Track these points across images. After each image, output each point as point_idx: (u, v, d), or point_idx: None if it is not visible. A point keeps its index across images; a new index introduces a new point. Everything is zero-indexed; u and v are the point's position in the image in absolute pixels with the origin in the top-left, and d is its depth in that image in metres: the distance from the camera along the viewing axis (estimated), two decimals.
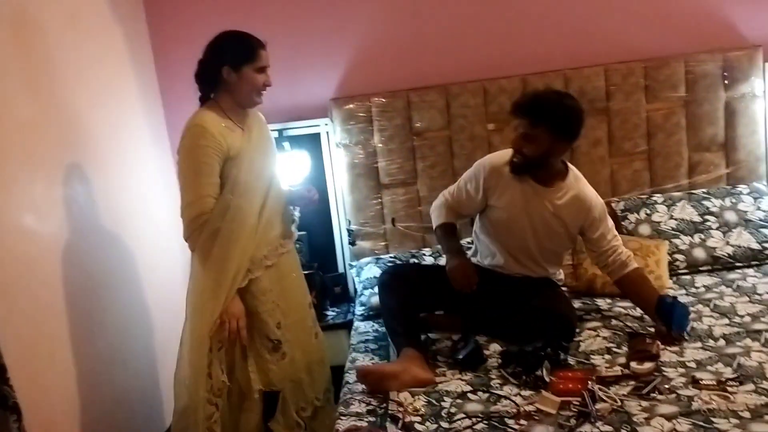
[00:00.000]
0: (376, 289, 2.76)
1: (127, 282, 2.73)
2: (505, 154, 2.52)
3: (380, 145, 3.20)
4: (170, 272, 3.16)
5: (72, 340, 2.28)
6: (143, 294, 2.84)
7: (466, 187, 2.60)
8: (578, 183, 2.51)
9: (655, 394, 1.94)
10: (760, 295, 2.62)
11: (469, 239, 2.88)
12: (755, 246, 2.93)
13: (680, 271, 2.94)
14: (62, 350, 2.22)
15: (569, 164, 2.55)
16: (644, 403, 1.90)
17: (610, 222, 2.54)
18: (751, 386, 1.92)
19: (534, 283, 2.58)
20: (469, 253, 2.76)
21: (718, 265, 2.94)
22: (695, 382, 1.97)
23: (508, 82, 3.15)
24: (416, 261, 3.08)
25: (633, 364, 2.10)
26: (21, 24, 2.20)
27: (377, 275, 2.87)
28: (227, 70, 2.24)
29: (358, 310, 3.00)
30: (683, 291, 2.77)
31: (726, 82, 3.13)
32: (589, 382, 1.97)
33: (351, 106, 3.17)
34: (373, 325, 2.81)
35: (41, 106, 2.26)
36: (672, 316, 2.32)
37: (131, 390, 2.65)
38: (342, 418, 2.03)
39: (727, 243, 2.96)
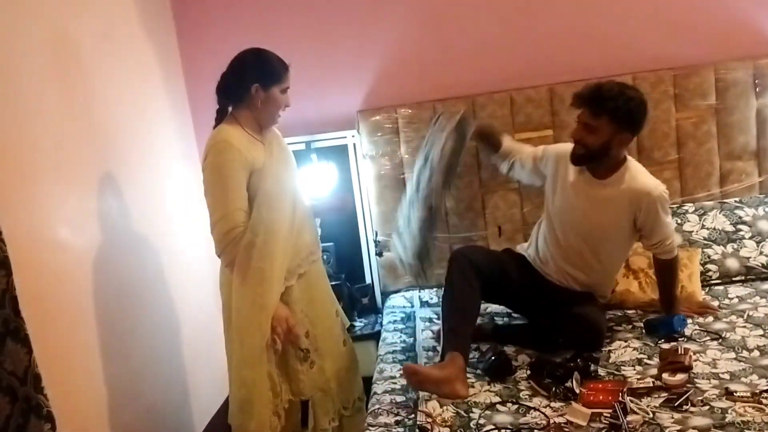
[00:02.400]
0: (398, 325, 2.84)
1: (158, 294, 2.76)
2: (568, 145, 2.55)
3: (407, 156, 3.21)
4: (201, 284, 3.20)
5: (104, 351, 2.31)
6: (174, 306, 2.88)
7: (529, 149, 2.78)
8: (636, 176, 2.47)
9: (687, 406, 1.91)
10: None
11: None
12: None
13: (713, 282, 2.89)
14: (95, 361, 2.26)
15: (629, 157, 2.53)
16: (677, 416, 1.87)
17: (666, 217, 2.48)
18: None
19: (573, 295, 2.57)
20: (524, 245, 2.83)
21: (751, 275, 2.89)
22: (729, 394, 1.94)
23: (536, 92, 3.14)
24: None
25: (665, 376, 2.07)
26: (60, 44, 2.26)
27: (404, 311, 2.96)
28: (257, 87, 2.26)
29: (386, 320, 3.00)
30: (716, 302, 2.72)
31: (757, 89, 3.08)
32: (621, 394, 1.95)
33: (378, 117, 3.18)
34: (401, 336, 2.81)
35: (76, 123, 2.31)
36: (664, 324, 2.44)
37: (162, 401, 2.68)
38: (370, 428, 2.03)
39: (761, 253, 2.90)
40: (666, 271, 2.56)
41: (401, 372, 2.34)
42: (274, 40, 3.19)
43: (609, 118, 2.36)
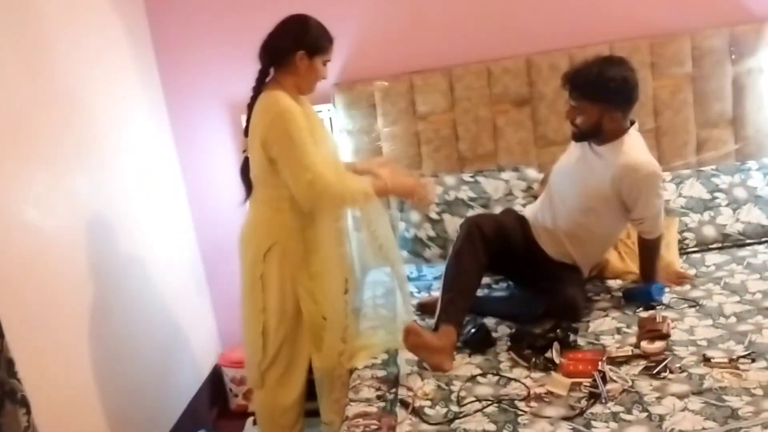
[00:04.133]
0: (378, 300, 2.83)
1: (134, 274, 2.72)
2: None
3: (384, 129, 3.18)
4: (177, 263, 3.16)
5: (78, 333, 2.27)
6: (151, 286, 2.84)
7: None
8: (631, 151, 2.43)
9: (666, 374, 1.93)
10: None
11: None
12: (765, 222, 2.90)
13: (690, 250, 2.91)
14: (69, 343, 2.22)
15: (632, 130, 2.50)
16: (655, 383, 1.89)
17: (653, 197, 2.45)
18: (763, 363, 1.91)
19: (560, 266, 2.57)
20: (530, 207, 2.81)
21: (728, 242, 2.91)
22: (706, 361, 1.96)
23: (513, 63, 3.11)
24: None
25: (643, 344, 2.08)
26: (21, 17, 2.17)
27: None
28: (302, 55, 2.26)
29: (366, 295, 2.98)
30: (693, 270, 2.74)
31: (733, 57, 3.08)
32: (600, 363, 1.96)
33: (354, 91, 3.14)
34: (381, 311, 2.79)
35: (41, 99, 2.24)
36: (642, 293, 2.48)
37: (140, 382, 2.65)
38: (352, 404, 2.03)
39: (737, 220, 2.92)
40: (646, 248, 2.57)
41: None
42: (246, 12, 3.16)
43: (589, 100, 2.39)
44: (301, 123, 2.22)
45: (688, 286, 2.57)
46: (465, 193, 3.05)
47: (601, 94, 2.38)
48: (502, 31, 3.16)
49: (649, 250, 2.56)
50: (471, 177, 3.11)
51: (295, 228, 2.35)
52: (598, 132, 2.45)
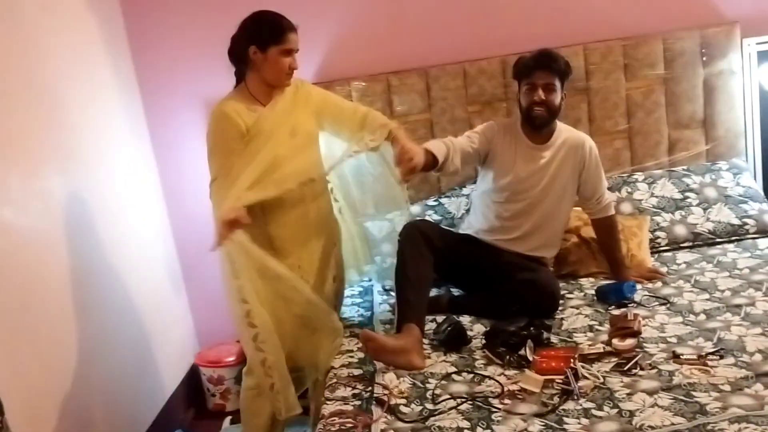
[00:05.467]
0: (355, 299, 2.85)
1: (109, 273, 2.70)
2: (511, 120, 2.76)
3: None
4: (154, 262, 3.15)
5: (53, 333, 2.26)
6: (127, 285, 2.82)
7: (469, 134, 2.71)
8: (569, 132, 2.70)
9: (636, 370, 1.95)
10: (740, 270, 2.64)
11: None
12: (735, 221, 2.96)
13: (661, 248, 2.96)
14: (44, 344, 2.20)
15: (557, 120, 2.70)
16: (626, 379, 1.92)
17: (602, 169, 2.71)
18: (731, 360, 1.95)
19: (527, 259, 2.63)
20: (463, 226, 2.86)
21: (698, 241, 2.96)
22: (676, 357, 1.99)
23: (488, 64, 3.14)
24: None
25: (615, 341, 2.12)
26: None
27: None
28: (254, 49, 2.29)
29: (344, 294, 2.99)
30: (665, 268, 2.79)
31: (704, 59, 3.14)
32: (572, 361, 1.99)
33: (331, 90, 3.14)
34: (358, 310, 2.80)
35: (16, 98, 2.22)
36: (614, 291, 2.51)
37: (116, 382, 2.63)
38: (328, 402, 2.04)
39: (708, 219, 2.98)
40: (607, 231, 2.70)
41: (359, 345, 2.35)
42: (222, 11, 3.14)
43: (558, 76, 2.56)
44: (227, 131, 2.29)
45: (659, 284, 2.62)
46: (430, 218, 3.08)
47: (568, 74, 2.60)
48: (479, 33, 3.20)
49: (610, 231, 2.70)
50: (435, 201, 3.15)
51: (256, 226, 2.33)
52: (557, 115, 2.62)
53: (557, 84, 2.55)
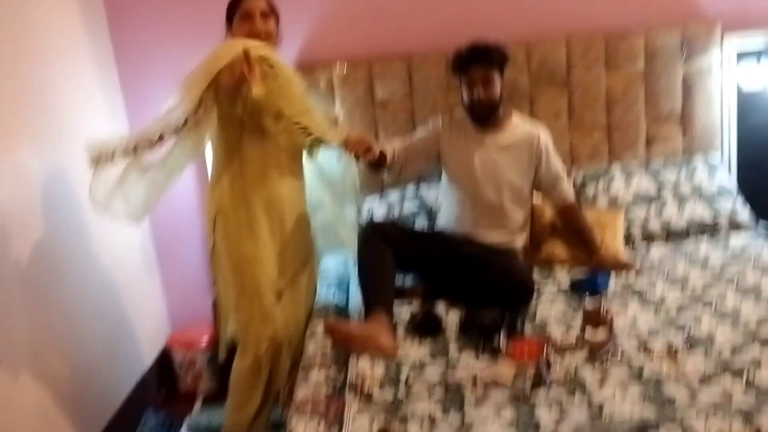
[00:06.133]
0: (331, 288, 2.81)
1: (81, 252, 2.67)
2: (458, 115, 2.79)
3: (342, 115, 3.17)
4: (127, 244, 3.11)
5: (23, 311, 2.23)
6: (99, 264, 2.79)
7: (417, 133, 2.83)
8: (524, 122, 2.77)
9: (607, 362, 1.98)
10: (712, 264, 2.68)
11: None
12: (708, 217, 3.00)
13: (636, 242, 2.99)
14: (13, 321, 2.17)
15: (513, 109, 2.81)
16: (597, 370, 1.93)
17: (558, 159, 2.77)
18: (700, 353, 1.97)
19: (497, 251, 2.64)
20: (438, 222, 2.89)
21: (672, 235, 3.00)
22: (647, 350, 2.02)
23: None
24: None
25: (587, 333, 2.13)
26: None
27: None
28: (227, 27, 2.35)
29: (321, 279, 2.98)
30: (639, 261, 2.81)
31: (684, 55, 3.16)
32: (545, 350, 2.01)
33: (312, 74, 3.12)
34: (335, 295, 2.79)
35: None
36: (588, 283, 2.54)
37: (86, 362, 2.61)
38: (300, 387, 2.03)
39: (682, 214, 3.02)
40: (573, 218, 2.75)
41: None
42: None
43: (497, 67, 2.59)
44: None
45: (633, 278, 2.64)
46: (408, 208, 3.08)
47: (505, 62, 2.62)
48: (461, 22, 3.18)
49: (577, 216, 2.75)
50: (413, 192, 3.14)
51: (236, 198, 2.34)
52: (500, 105, 2.65)
53: (495, 75, 2.58)
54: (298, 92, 2.37)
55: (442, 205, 2.87)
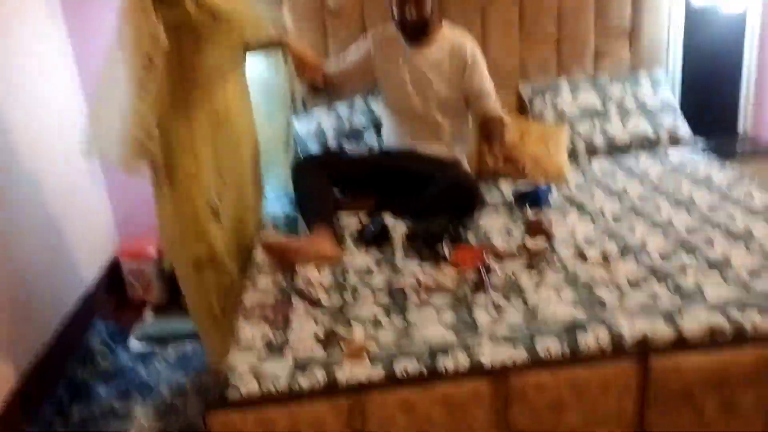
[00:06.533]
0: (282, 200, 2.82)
1: (21, 158, 2.60)
2: (388, 29, 2.72)
3: (291, 23, 3.10)
4: (71, 152, 3.03)
5: None
6: (40, 171, 2.72)
7: (350, 53, 2.82)
8: (453, 32, 2.73)
9: (544, 267, 2.06)
10: (650, 177, 2.78)
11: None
12: (650, 132, 3.08)
13: (579, 156, 3.06)
14: None
15: (444, 21, 2.74)
16: (534, 276, 2.02)
17: (487, 74, 2.71)
18: (631, 259, 2.07)
19: (442, 162, 2.67)
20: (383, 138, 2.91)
21: (615, 150, 3.08)
22: (582, 256, 2.11)
23: None
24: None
25: (527, 241, 2.22)
26: None
27: None
28: None
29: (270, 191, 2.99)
30: (581, 174, 2.90)
31: None
32: (485, 257, 2.08)
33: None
34: (284, 209, 2.80)
35: None
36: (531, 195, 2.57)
37: (31, 270, 2.59)
38: (250, 291, 2.07)
39: (625, 129, 3.09)
40: (488, 128, 2.62)
41: None
42: None
43: None
44: None
45: (574, 190, 2.72)
46: (359, 121, 3.06)
47: None
48: None
49: (496, 126, 2.61)
50: (362, 101, 3.10)
51: (178, 112, 2.27)
52: (431, 22, 2.63)
53: None
54: None
55: (383, 120, 2.89)
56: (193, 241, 2.35)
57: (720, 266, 1.97)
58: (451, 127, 2.74)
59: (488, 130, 2.62)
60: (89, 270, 3.11)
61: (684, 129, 3.12)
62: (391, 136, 2.83)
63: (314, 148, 3.03)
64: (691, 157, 2.97)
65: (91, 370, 2.70)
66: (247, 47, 2.48)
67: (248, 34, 2.40)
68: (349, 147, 3.01)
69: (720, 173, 2.76)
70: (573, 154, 3.04)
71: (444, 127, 2.73)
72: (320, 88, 2.76)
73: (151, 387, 2.60)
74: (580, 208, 2.54)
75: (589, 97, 3.14)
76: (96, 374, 2.68)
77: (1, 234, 2.40)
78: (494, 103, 2.69)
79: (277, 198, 2.85)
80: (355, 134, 3.05)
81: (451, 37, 2.70)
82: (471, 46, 2.69)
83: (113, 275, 3.27)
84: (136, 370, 2.70)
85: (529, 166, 2.66)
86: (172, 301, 3.07)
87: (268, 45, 2.59)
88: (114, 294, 3.27)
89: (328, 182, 2.55)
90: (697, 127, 3.18)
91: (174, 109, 2.26)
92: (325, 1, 3.09)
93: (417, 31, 2.62)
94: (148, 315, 3.14)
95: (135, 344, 2.90)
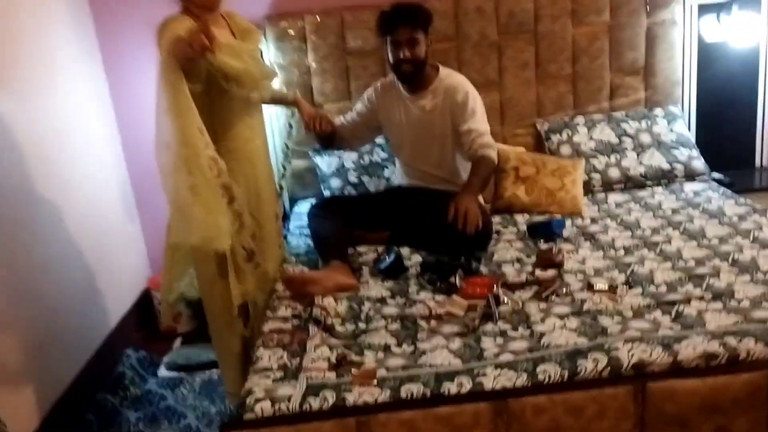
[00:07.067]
0: (304, 230, 2.92)
1: (60, 198, 2.75)
2: (389, 78, 2.87)
3: (314, 64, 3.25)
4: (107, 189, 3.21)
5: (4, 251, 2.32)
6: (78, 209, 2.88)
7: (356, 106, 2.95)
8: (450, 76, 2.79)
9: (553, 297, 2.12)
10: (663, 210, 2.83)
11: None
12: (665, 166, 3.14)
13: (595, 190, 3.13)
14: None
15: (441, 66, 2.82)
16: (542, 305, 2.08)
17: (478, 111, 2.72)
18: (638, 290, 2.12)
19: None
20: (393, 181, 3.07)
21: (630, 183, 3.14)
22: (590, 287, 2.16)
23: (440, 4, 3.19)
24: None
25: (537, 271, 2.28)
26: None
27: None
28: None
29: (293, 224, 3.11)
30: (596, 207, 2.96)
31: (648, 8, 3.25)
32: (495, 287, 2.15)
33: (284, 23, 3.19)
34: (306, 240, 2.92)
35: None
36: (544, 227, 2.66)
37: (66, 303, 2.72)
38: (269, 321, 2.17)
39: (641, 163, 3.15)
40: (475, 167, 2.62)
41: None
42: None
43: (422, 27, 2.65)
44: (175, 28, 2.14)
45: (588, 222, 2.79)
46: (378, 156, 3.21)
47: (429, 22, 2.67)
48: None
49: (481, 167, 2.61)
50: (382, 138, 3.19)
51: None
52: (425, 64, 2.70)
53: (420, 36, 2.64)
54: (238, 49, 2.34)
55: (396, 166, 3.00)
56: (234, 286, 2.38)
57: (724, 296, 2.01)
58: (458, 164, 2.81)
59: (471, 172, 2.64)
60: (122, 302, 3.24)
61: (699, 163, 3.17)
62: (400, 176, 2.95)
63: (336, 184, 3.17)
64: (707, 191, 3.01)
65: (121, 397, 2.81)
66: (261, 100, 2.57)
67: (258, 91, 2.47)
68: (369, 181, 3.15)
69: (733, 206, 2.80)
70: (589, 188, 3.11)
71: (449, 166, 2.80)
72: (329, 140, 2.87)
73: (177, 413, 2.70)
74: (593, 240, 2.60)
75: (605, 133, 3.22)
76: (126, 401, 2.79)
77: (38, 269, 2.54)
78: (479, 140, 2.65)
79: (299, 236, 2.97)
80: (376, 168, 3.18)
81: (447, 82, 2.75)
82: (463, 87, 2.73)
83: (144, 307, 3.41)
84: (163, 397, 2.81)
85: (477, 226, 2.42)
86: (200, 330, 3.18)
87: (279, 100, 2.77)
88: (145, 325, 3.40)
89: (343, 222, 2.66)
90: (714, 161, 3.23)
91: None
92: (346, 42, 3.24)
93: (412, 74, 2.69)
94: (177, 344, 3.26)
95: (164, 372, 3.02)
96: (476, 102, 2.73)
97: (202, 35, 1.95)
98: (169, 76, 2.02)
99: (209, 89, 2.25)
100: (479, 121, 2.70)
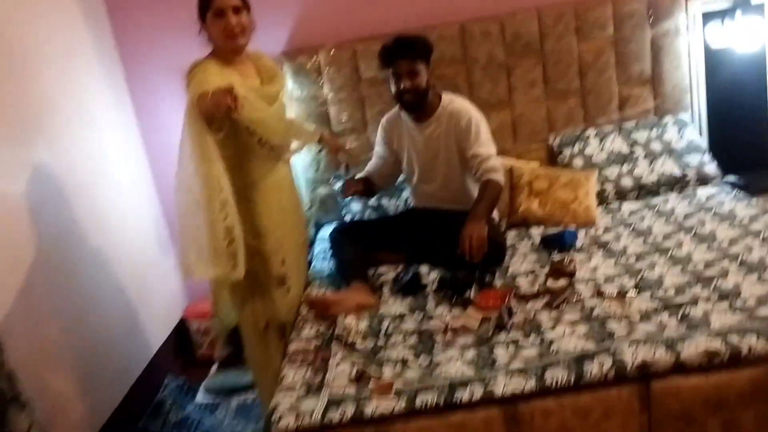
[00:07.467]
0: (328, 254, 3.00)
1: (97, 236, 2.92)
2: (393, 110, 2.98)
3: (330, 95, 3.40)
4: (141, 225, 3.38)
5: (45, 292, 2.48)
6: (114, 246, 3.05)
7: (375, 150, 3.09)
8: (452, 102, 2.85)
9: (564, 306, 2.20)
10: (676, 216, 2.89)
11: None
12: (677, 172, 3.19)
13: (609, 199, 3.19)
14: (35, 303, 2.41)
15: (444, 93, 2.89)
16: (554, 314, 2.16)
17: (483, 136, 2.78)
18: (647, 295, 2.18)
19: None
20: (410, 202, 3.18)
21: (643, 191, 3.20)
22: (599, 294, 2.24)
23: (447, 30, 3.32)
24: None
25: (549, 282, 2.36)
26: None
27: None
28: (200, 24, 2.38)
29: (317, 249, 3.23)
30: (610, 216, 3.03)
31: (651, 20, 3.33)
32: (507, 299, 2.24)
33: (300, 58, 3.35)
34: (329, 264, 3.01)
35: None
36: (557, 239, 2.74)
37: (107, 336, 2.87)
38: (294, 341, 2.29)
39: (653, 171, 3.21)
40: (481, 191, 2.67)
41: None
42: None
43: (422, 58, 2.74)
44: (207, 71, 2.28)
45: (601, 231, 2.86)
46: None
47: (427, 50, 2.76)
48: (438, 1, 3.37)
49: (487, 190, 2.65)
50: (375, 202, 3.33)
51: (237, 192, 2.37)
52: (428, 94, 2.78)
53: (421, 66, 2.72)
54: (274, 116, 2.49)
55: (411, 190, 3.11)
56: (261, 308, 2.54)
57: (730, 296, 2.07)
58: (468, 185, 2.88)
59: (477, 197, 2.68)
60: (160, 332, 3.40)
61: (711, 167, 3.21)
62: (414, 198, 3.07)
63: (357, 208, 3.30)
64: (718, 194, 3.05)
65: (161, 423, 2.95)
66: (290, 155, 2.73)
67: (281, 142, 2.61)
68: (388, 203, 3.28)
69: (744, 208, 2.84)
70: (602, 198, 3.17)
71: (458, 188, 2.88)
72: (369, 193, 3.05)
73: None
74: (605, 248, 2.67)
75: (617, 144, 3.29)
76: (165, 427, 2.93)
77: (77, 305, 2.70)
78: (485, 165, 2.70)
79: (323, 260, 3.09)
80: (394, 190, 3.30)
81: (450, 108, 2.81)
82: (467, 113, 2.78)
83: (181, 335, 3.56)
84: (201, 421, 2.94)
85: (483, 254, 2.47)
86: (236, 355, 3.31)
87: (304, 146, 2.85)
88: (183, 352, 3.55)
89: (362, 246, 2.79)
90: (728, 165, 3.27)
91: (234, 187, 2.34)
92: (360, 72, 3.38)
93: (415, 103, 2.78)
94: (214, 370, 3.39)
95: (201, 397, 3.15)
96: (480, 126, 2.78)
97: (227, 96, 2.05)
98: (194, 124, 2.15)
99: (234, 131, 2.35)
100: (484, 145, 2.76)
